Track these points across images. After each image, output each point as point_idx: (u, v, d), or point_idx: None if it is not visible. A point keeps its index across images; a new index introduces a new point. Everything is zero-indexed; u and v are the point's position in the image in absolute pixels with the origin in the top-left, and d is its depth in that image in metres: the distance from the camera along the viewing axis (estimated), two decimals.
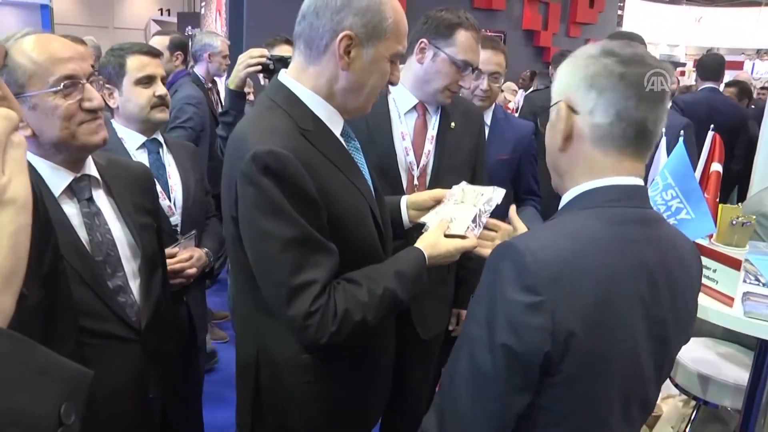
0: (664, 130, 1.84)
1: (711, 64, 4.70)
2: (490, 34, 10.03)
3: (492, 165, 2.39)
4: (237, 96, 2.18)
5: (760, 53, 18.16)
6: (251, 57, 2.11)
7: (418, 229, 1.52)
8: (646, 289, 0.99)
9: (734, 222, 1.65)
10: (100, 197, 1.42)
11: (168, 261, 1.83)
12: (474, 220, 1.41)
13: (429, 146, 1.92)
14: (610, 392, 1.00)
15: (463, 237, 1.40)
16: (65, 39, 1.35)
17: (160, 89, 1.94)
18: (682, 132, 1.68)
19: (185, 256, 1.90)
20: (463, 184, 1.56)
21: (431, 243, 1.37)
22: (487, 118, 2.45)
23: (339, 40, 1.22)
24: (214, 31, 10.01)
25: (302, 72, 1.30)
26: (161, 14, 19.30)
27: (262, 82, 2.75)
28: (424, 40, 1.78)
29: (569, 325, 0.92)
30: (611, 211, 1.01)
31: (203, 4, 11.96)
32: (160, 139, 2.02)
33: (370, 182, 1.43)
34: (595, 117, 1.01)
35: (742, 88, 5.58)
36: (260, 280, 1.24)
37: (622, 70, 1.00)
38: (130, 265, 1.42)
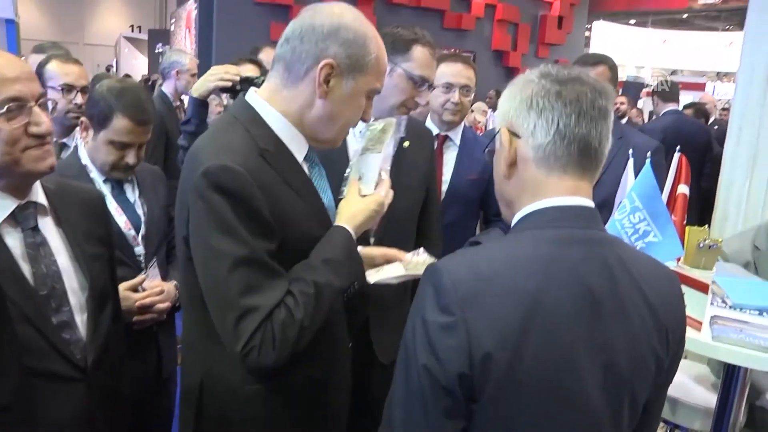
0: (631, 151, 1.85)
1: (671, 87, 4.88)
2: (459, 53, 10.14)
3: (462, 185, 2.40)
4: (200, 105, 2.14)
5: (720, 75, 18.73)
6: (226, 72, 2.09)
7: None
8: (586, 312, 0.94)
9: (701, 245, 1.64)
10: (47, 226, 1.33)
11: (137, 295, 1.78)
12: (392, 277, 1.42)
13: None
14: (552, 423, 0.95)
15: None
16: (11, 56, 1.27)
17: (131, 157, 1.82)
18: (649, 154, 1.67)
19: (156, 290, 1.82)
20: (421, 250, 1.56)
21: (349, 214, 1.32)
22: (456, 138, 2.45)
23: (321, 67, 1.20)
24: (183, 48, 9.95)
25: (275, 94, 1.27)
26: (132, 31, 19.14)
27: (225, 102, 2.71)
28: None
29: (485, 346, 0.90)
30: (548, 232, 0.99)
31: (173, 21, 11.88)
32: None
33: (333, 209, 1.39)
34: (537, 138, 0.99)
35: (698, 109, 5.87)
36: (209, 301, 1.19)
37: (558, 88, 0.99)
38: (77, 298, 1.34)
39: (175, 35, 11.14)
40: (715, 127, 5.97)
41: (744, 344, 1.47)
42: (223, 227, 1.13)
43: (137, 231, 1.89)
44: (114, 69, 17.65)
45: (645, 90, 8.63)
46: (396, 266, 1.47)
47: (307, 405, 1.34)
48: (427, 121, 2.49)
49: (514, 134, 1.02)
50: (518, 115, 1.02)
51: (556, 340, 0.93)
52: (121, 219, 1.84)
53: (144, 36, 17.39)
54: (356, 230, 1.31)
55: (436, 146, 2.40)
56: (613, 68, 2.54)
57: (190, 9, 9.32)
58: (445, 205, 2.36)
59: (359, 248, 1.49)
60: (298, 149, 1.29)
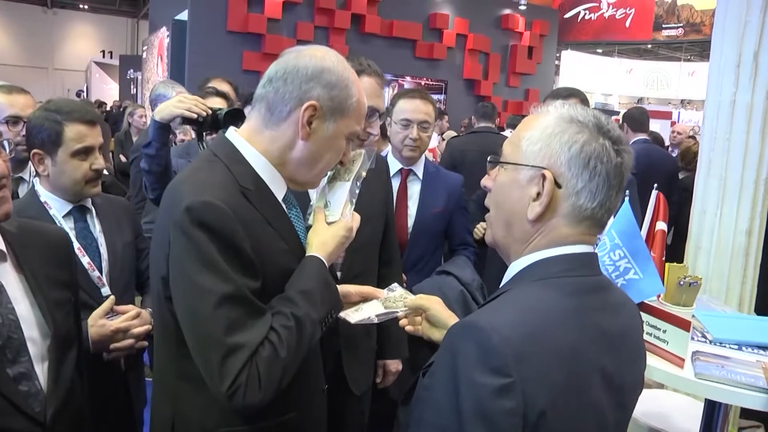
0: None
1: (640, 116, 4.93)
2: (432, 82, 10.28)
3: (428, 218, 2.43)
4: (162, 128, 2.10)
5: (683, 103, 19.29)
6: (195, 105, 2.05)
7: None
8: (607, 359, 0.96)
9: (681, 282, 1.65)
10: (6, 272, 1.26)
11: (113, 323, 1.70)
12: (371, 317, 1.40)
13: None
14: None
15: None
16: None
17: (97, 162, 1.79)
18: (627, 192, 1.69)
19: (132, 314, 1.75)
20: (395, 285, 1.54)
21: (319, 242, 1.30)
22: (419, 172, 2.47)
23: (304, 108, 1.20)
24: (157, 76, 9.87)
25: (256, 134, 1.26)
26: (103, 56, 19.00)
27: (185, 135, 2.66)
28: None
29: (540, 405, 0.86)
30: (566, 281, 0.97)
31: (145, 48, 11.81)
32: (88, 204, 1.88)
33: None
34: (580, 199, 0.97)
35: (655, 138, 5.88)
36: (190, 339, 1.15)
37: (619, 160, 0.97)
38: (37, 347, 1.27)
39: (147, 62, 11.06)
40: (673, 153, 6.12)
41: (726, 381, 1.47)
42: (207, 264, 1.10)
43: (101, 270, 1.82)
44: (84, 94, 17.46)
45: (613, 117, 8.80)
46: (374, 304, 1.45)
47: None
48: (389, 156, 2.51)
49: (557, 183, 0.97)
50: (570, 168, 0.97)
51: (590, 390, 0.93)
52: (84, 260, 1.78)
53: (115, 62, 17.27)
54: (328, 258, 1.29)
55: (399, 181, 2.45)
56: (584, 102, 2.59)
57: (163, 36, 9.28)
58: (412, 238, 2.39)
59: (341, 286, 1.47)
60: (278, 189, 1.28)
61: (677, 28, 15.38)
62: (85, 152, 1.76)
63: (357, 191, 1.41)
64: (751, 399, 1.46)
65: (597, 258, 1.04)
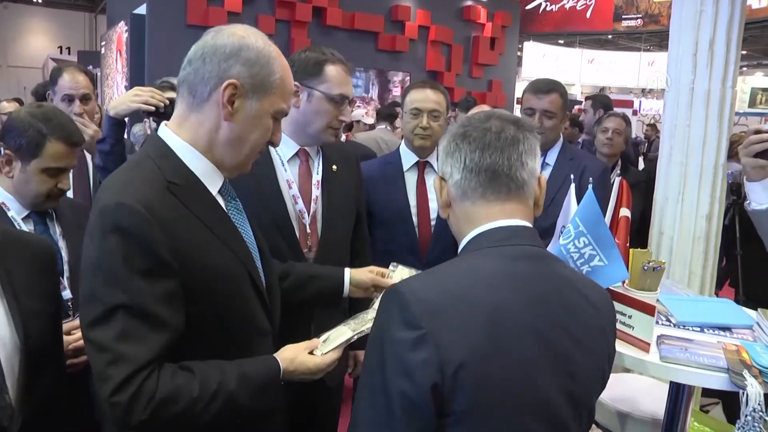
0: (572, 176, 1.89)
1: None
2: (395, 75, 10.26)
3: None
4: (117, 124, 2.07)
5: (645, 92, 19.68)
6: (152, 96, 2.02)
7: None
8: (541, 322, 1.01)
9: (645, 267, 1.67)
10: None
11: (70, 338, 1.65)
12: (343, 344, 1.41)
13: (316, 192, 1.90)
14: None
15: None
16: None
17: (64, 182, 1.75)
18: (590, 179, 1.70)
19: None
20: (399, 266, 1.65)
21: (290, 357, 1.30)
22: (435, 164, 2.43)
23: (224, 87, 1.19)
24: (116, 71, 9.66)
25: (183, 121, 1.25)
26: (60, 52, 18.48)
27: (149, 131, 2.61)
28: (296, 83, 1.72)
29: (457, 356, 0.92)
30: (501, 249, 1.06)
31: (104, 43, 11.53)
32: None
33: (254, 245, 1.35)
34: (454, 177, 1.13)
35: (572, 120, 5.77)
36: (86, 343, 1.13)
37: (463, 131, 1.13)
38: (8, 361, 1.23)
39: (106, 57, 10.80)
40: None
41: (690, 363, 1.50)
42: (107, 271, 1.09)
43: (62, 275, 1.77)
44: None
45: (576, 107, 8.93)
46: (341, 330, 1.46)
47: None
48: (401, 149, 2.49)
49: (443, 179, 1.17)
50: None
51: (521, 350, 0.98)
52: None
53: (73, 57, 16.79)
54: (286, 373, 1.28)
55: (417, 174, 2.44)
56: (564, 95, 2.60)
57: (121, 31, 9.07)
58: (436, 232, 2.36)
59: (353, 271, 1.66)
60: (212, 182, 1.26)
61: (636, 18, 15.68)
62: (57, 172, 1.71)
63: (352, 341, 1.43)
64: (713, 379, 1.49)
65: (532, 231, 1.12)
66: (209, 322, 1.20)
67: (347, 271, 1.70)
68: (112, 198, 1.11)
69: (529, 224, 1.11)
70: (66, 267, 1.80)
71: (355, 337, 1.43)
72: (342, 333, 1.44)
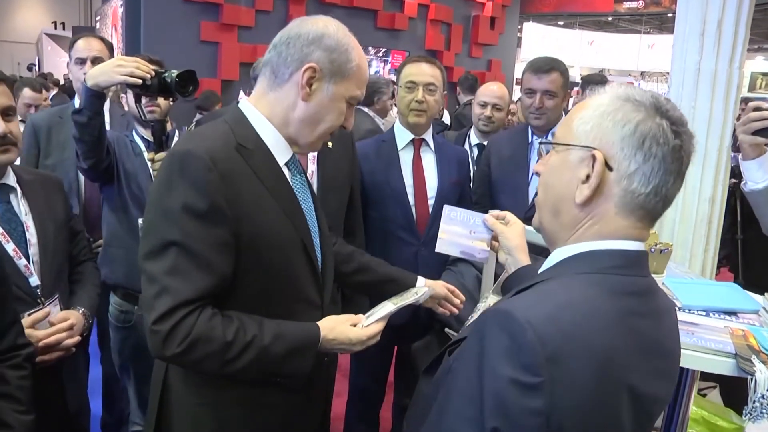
0: None
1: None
2: (393, 53, 10.15)
3: (446, 188, 2.36)
4: (95, 96, 1.86)
5: (644, 75, 19.58)
6: (138, 67, 1.84)
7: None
8: (639, 374, 0.90)
9: (653, 249, 1.64)
10: None
11: (41, 333, 1.58)
12: (385, 316, 1.43)
13: (312, 167, 1.94)
14: None
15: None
16: None
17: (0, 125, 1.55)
18: None
19: (63, 325, 1.62)
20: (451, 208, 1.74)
21: (330, 326, 1.34)
22: (431, 142, 2.41)
23: (304, 70, 1.27)
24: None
25: (262, 97, 1.34)
26: (55, 27, 18.24)
27: (131, 106, 2.30)
28: None
29: (566, 407, 0.82)
30: (612, 280, 0.92)
31: (98, 18, 11.37)
32: (11, 182, 1.66)
33: (313, 220, 1.40)
34: (632, 183, 0.91)
35: None
36: (141, 272, 1.22)
37: (677, 142, 0.90)
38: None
39: (101, 33, 10.66)
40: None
41: (696, 348, 1.48)
42: (167, 209, 1.17)
43: (28, 258, 1.65)
44: (36, 68, 16.78)
45: (575, 89, 8.86)
46: (386, 305, 1.49)
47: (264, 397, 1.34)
48: (396, 127, 2.43)
49: (608, 165, 0.92)
50: (622, 149, 0.91)
51: (614, 405, 0.87)
52: (8, 247, 1.60)
53: (68, 33, 16.56)
54: (325, 340, 1.32)
55: (413, 152, 2.38)
56: (564, 73, 2.49)
57: (116, 6, 8.93)
58: (435, 211, 2.30)
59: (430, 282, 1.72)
60: (281, 153, 1.33)
61: (637, 0, 15.51)
62: None
63: (392, 312, 1.46)
64: (721, 364, 1.47)
65: (646, 257, 0.98)
66: (254, 278, 1.25)
67: (421, 279, 1.75)
68: (183, 146, 1.22)
69: (644, 249, 0.98)
70: (33, 249, 1.67)
71: (396, 309, 1.46)
72: (384, 307, 1.47)
